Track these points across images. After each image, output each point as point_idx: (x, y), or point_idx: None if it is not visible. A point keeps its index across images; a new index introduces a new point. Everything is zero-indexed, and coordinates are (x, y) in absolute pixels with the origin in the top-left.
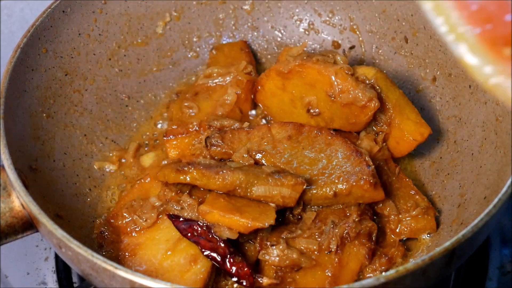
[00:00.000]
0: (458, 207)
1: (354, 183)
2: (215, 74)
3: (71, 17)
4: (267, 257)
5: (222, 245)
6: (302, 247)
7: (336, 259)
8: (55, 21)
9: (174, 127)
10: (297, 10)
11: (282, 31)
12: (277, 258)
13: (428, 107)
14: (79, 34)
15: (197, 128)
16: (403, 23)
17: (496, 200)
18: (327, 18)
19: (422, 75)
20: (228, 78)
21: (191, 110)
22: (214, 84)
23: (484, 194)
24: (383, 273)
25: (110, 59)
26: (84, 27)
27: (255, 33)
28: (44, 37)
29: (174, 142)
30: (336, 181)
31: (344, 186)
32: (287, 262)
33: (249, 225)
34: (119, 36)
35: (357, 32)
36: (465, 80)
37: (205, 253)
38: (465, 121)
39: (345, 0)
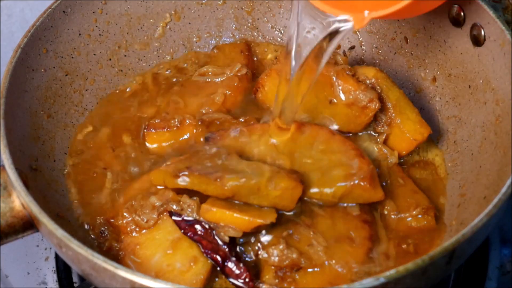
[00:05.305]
0: (458, 207)
1: (353, 183)
2: (210, 73)
3: (72, 17)
4: (266, 257)
5: (224, 247)
6: (302, 247)
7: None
8: (55, 21)
9: (157, 120)
10: None
11: (282, 31)
12: (277, 258)
13: (428, 107)
14: (80, 34)
15: (178, 125)
16: (403, 23)
17: (496, 200)
18: None
19: (422, 75)
20: (220, 78)
21: (177, 105)
22: (206, 83)
23: (484, 194)
24: (383, 273)
25: (110, 59)
26: (85, 27)
27: (255, 33)
28: (44, 37)
29: (154, 136)
30: (336, 180)
31: (344, 186)
32: (287, 262)
33: (250, 220)
34: (120, 36)
35: (357, 32)
36: (465, 80)
37: (206, 254)
38: (465, 121)
39: None
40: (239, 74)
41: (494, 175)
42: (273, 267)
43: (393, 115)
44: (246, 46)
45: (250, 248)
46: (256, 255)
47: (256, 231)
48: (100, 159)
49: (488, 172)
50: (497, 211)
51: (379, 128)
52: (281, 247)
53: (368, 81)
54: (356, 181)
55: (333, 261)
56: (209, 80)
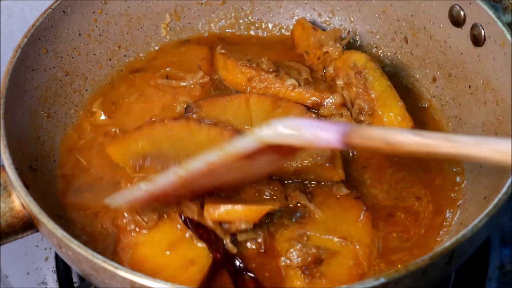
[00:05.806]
0: (458, 207)
1: (315, 161)
2: (170, 76)
3: (72, 17)
4: (289, 262)
5: (225, 248)
6: (315, 241)
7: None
8: (55, 21)
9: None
10: (297, 11)
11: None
12: (299, 259)
13: (428, 107)
14: (80, 34)
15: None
16: (403, 24)
17: (496, 200)
18: (327, 19)
19: (422, 75)
20: (182, 83)
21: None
22: (170, 86)
23: (484, 194)
24: (383, 273)
25: (110, 59)
26: (85, 27)
27: (255, 33)
28: (44, 37)
29: (115, 148)
30: (299, 157)
31: (305, 163)
32: (309, 259)
33: (259, 209)
34: (119, 36)
35: (357, 33)
36: (465, 81)
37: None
38: (465, 121)
39: (346, 0)
40: (201, 81)
41: (494, 175)
42: (297, 269)
43: (376, 105)
44: (209, 52)
45: (248, 249)
46: (255, 255)
47: (259, 223)
48: (97, 156)
49: (488, 172)
50: (497, 211)
51: (361, 117)
52: (298, 247)
53: (356, 68)
54: (318, 160)
55: (348, 242)
56: (174, 83)
